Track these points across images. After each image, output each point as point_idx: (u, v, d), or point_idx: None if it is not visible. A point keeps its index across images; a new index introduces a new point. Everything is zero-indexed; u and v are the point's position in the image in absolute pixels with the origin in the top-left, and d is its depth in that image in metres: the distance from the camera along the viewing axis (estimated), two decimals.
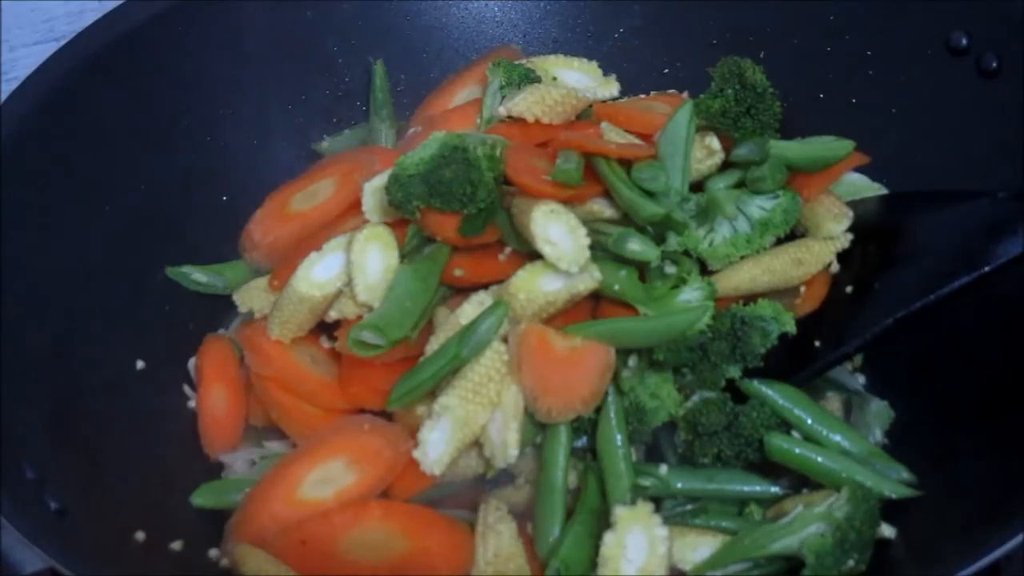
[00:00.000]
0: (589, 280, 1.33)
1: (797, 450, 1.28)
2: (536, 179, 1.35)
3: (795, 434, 1.31)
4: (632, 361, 1.36)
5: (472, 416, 1.28)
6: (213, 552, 1.31)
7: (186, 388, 1.51)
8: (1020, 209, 1.28)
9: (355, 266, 1.39)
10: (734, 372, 1.31)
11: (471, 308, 1.36)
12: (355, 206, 1.49)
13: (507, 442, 1.28)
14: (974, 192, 1.34)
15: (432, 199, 1.33)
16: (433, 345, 1.34)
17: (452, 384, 1.30)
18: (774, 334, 1.31)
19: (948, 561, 1.08)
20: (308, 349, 1.47)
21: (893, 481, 1.26)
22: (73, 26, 2.01)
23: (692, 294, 1.30)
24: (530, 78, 1.57)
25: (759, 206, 1.39)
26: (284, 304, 1.42)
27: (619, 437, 1.30)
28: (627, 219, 1.38)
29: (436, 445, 1.28)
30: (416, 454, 1.28)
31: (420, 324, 1.36)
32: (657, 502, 1.27)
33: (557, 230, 1.31)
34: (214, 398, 1.47)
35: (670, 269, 1.36)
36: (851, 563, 1.16)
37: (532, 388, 1.27)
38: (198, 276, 1.58)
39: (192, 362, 1.55)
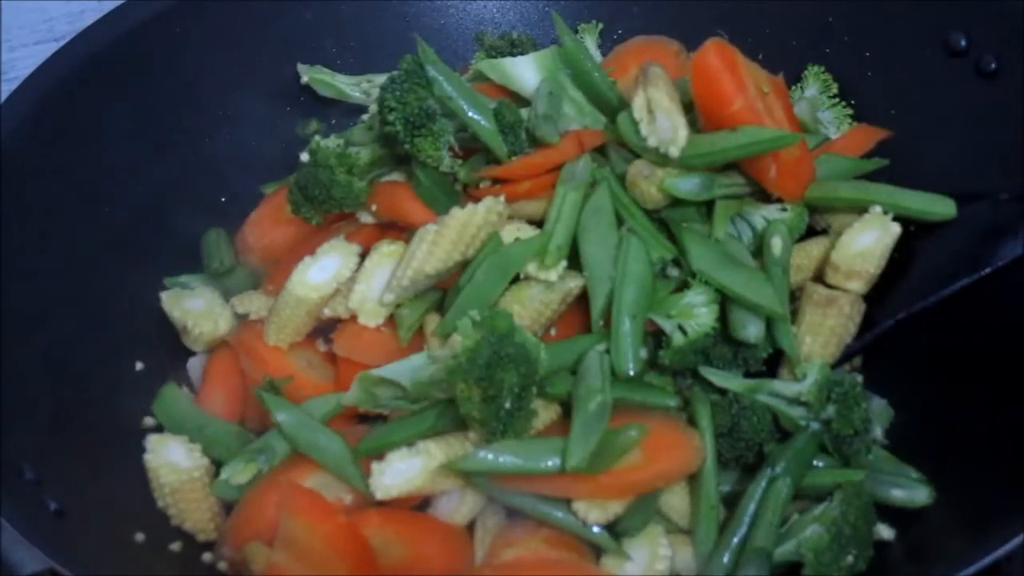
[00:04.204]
0: (579, 279, 1.34)
1: None
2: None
3: None
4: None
5: (440, 477, 1.26)
6: (206, 556, 1.31)
7: (185, 390, 1.51)
8: (1021, 211, 1.28)
9: (366, 272, 1.40)
10: (736, 376, 1.31)
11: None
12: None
13: (451, 517, 1.29)
14: (975, 194, 1.35)
15: (306, 204, 1.46)
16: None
17: (446, 438, 1.28)
18: None
19: (948, 561, 1.09)
20: (304, 353, 1.47)
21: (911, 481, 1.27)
22: (73, 26, 2.02)
23: (696, 298, 1.30)
24: (513, 51, 1.62)
25: (764, 217, 1.39)
26: (281, 308, 1.42)
27: None
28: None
29: (395, 474, 1.24)
30: (374, 467, 1.25)
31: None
32: None
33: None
34: (212, 401, 1.47)
35: (673, 272, 1.36)
36: (850, 559, 1.17)
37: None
38: (196, 285, 1.57)
39: (191, 363, 1.54)
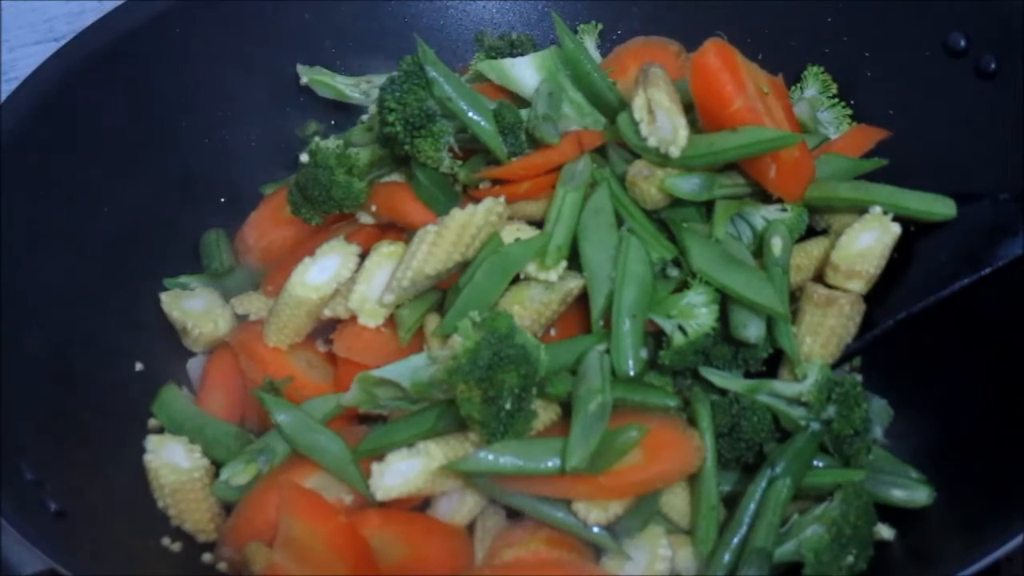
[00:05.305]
0: (579, 279, 1.34)
1: None
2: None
3: None
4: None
5: (441, 477, 1.26)
6: (206, 556, 1.31)
7: (185, 390, 1.51)
8: (1021, 211, 1.29)
9: (366, 272, 1.40)
10: (736, 376, 1.31)
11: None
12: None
13: (451, 518, 1.29)
14: (975, 194, 1.35)
15: (306, 204, 1.47)
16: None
17: (446, 439, 1.28)
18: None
19: (948, 561, 1.09)
20: (304, 354, 1.47)
21: (911, 481, 1.27)
22: (73, 26, 2.02)
23: (696, 298, 1.30)
24: (513, 52, 1.64)
25: (764, 217, 1.39)
26: (281, 309, 1.42)
27: None
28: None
29: (395, 475, 1.24)
30: (374, 467, 1.25)
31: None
32: None
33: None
34: (212, 402, 1.47)
35: (673, 272, 1.36)
36: (850, 559, 1.17)
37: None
38: (196, 287, 1.57)
39: (191, 363, 1.54)
